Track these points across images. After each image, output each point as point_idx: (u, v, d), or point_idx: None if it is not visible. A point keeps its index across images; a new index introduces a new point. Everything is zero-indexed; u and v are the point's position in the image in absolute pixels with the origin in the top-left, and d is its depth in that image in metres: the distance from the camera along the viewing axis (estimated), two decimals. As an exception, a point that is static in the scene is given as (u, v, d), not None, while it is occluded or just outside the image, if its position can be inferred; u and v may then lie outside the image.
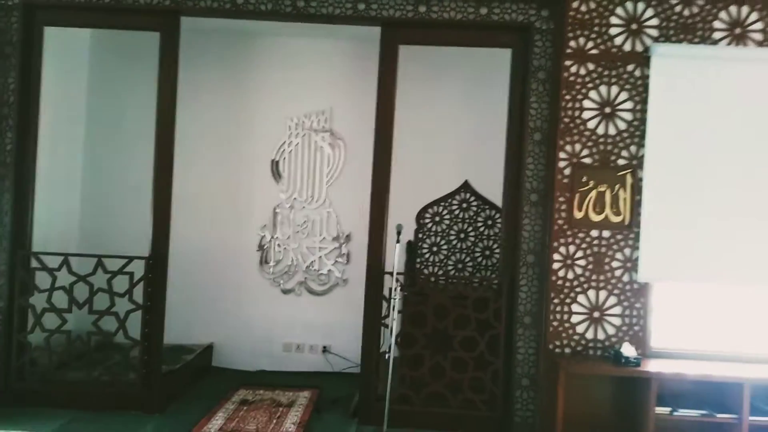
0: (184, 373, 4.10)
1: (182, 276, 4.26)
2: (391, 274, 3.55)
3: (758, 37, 3.39)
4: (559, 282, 3.42)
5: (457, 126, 4.76)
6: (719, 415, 3.18)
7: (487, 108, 4.63)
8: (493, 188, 4.57)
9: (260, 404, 3.87)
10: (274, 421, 3.58)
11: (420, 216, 4.67)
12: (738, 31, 3.40)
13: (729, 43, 3.40)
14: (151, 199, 3.64)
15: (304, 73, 4.79)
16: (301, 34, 4.66)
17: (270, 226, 4.75)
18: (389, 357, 3.38)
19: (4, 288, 3.57)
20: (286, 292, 4.77)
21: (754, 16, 3.39)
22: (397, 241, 3.46)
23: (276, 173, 4.78)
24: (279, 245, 4.76)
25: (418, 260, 4.64)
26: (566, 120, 3.42)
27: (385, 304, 3.68)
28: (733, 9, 3.40)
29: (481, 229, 4.65)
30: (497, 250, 4.63)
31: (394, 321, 3.39)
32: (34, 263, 3.63)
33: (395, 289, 3.39)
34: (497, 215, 4.61)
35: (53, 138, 4.11)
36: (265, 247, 4.76)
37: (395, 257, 3.44)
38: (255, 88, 4.80)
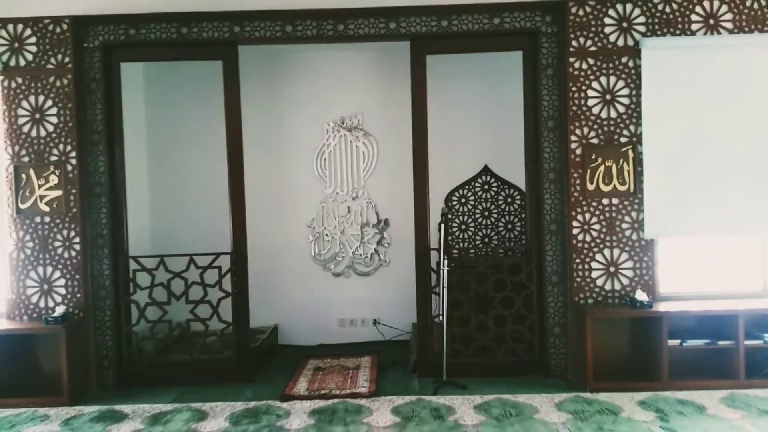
0: (260, 350, 4.77)
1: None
2: (435, 250, 4.22)
3: (729, 26, 4.03)
4: (579, 244, 4.08)
5: (475, 118, 5.39)
6: (720, 342, 3.87)
7: (501, 101, 5.29)
8: (509, 169, 5.25)
9: (331, 369, 4.54)
10: (349, 380, 4.25)
11: (448, 199, 5.31)
12: (712, 22, 4.03)
13: (705, 33, 4.04)
14: (229, 203, 4.27)
15: (336, 81, 5.41)
16: (329, 48, 5.27)
17: (319, 218, 5.41)
18: (443, 319, 4.05)
19: (109, 288, 4.22)
20: (336, 275, 5.45)
21: (724, 8, 4.03)
22: (441, 222, 4.11)
23: (319, 172, 5.42)
24: (327, 235, 5.42)
25: (450, 238, 5.30)
26: (574, 108, 4.06)
27: (431, 276, 4.33)
28: (706, 3, 4.03)
29: (502, 206, 5.31)
30: (518, 224, 5.29)
31: (444, 288, 4.04)
32: (133, 265, 4.27)
33: (443, 263, 4.04)
34: (515, 193, 5.27)
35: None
36: (315, 237, 5.42)
37: (441, 236, 4.08)
38: (293, 97, 5.43)
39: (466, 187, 5.32)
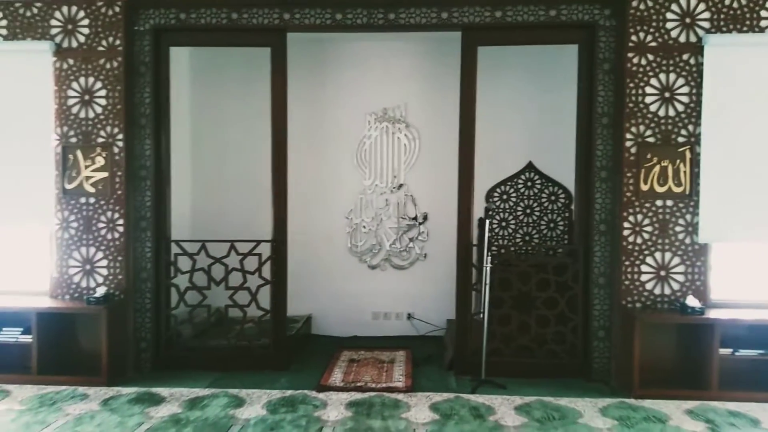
0: (295, 339, 4.75)
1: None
2: (474, 246, 4.14)
3: (801, 23, 3.84)
4: (629, 246, 3.95)
5: (519, 112, 5.27)
6: (775, 354, 3.72)
7: (547, 96, 5.17)
8: (554, 167, 5.12)
9: (366, 361, 4.49)
10: (384, 374, 4.19)
11: (489, 195, 5.20)
12: (783, 18, 3.85)
13: (774, 30, 3.86)
14: (271, 190, 4.24)
15: (380, 72, 5.35)
16: (373, 37, 5.20)
17: (356, 210, 5.36)
18: (484, 316, 3.96)
19: (150, 271, 4.24)
20: (372, 267, 5.39)
21: (796, 3, 3.84)
22: (486, 218, 4.02)
23: (359, 163, 5.36)
24: (365, 226, 5.37)
25: (489, 234, 5.18)
26: (630, 105, 3.92)
27: (472, 273, 4.24)
28: (777, -1, 3.85)
29: (545, 204, 5.18)
30: (560, 223, 5.16)
31: (486, 286, 3.96)
32: (175, 249, 4.29)
33: (486, 260, 3.95)
34: (560, 191, 5.13)
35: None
36: (353, 228, 5.37)
37: (485, 232, 3.99)
38: (336, 88, 5.38)
39: (509, 183, 5.21)
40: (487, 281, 3.95)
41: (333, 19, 4.13)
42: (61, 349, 4.09)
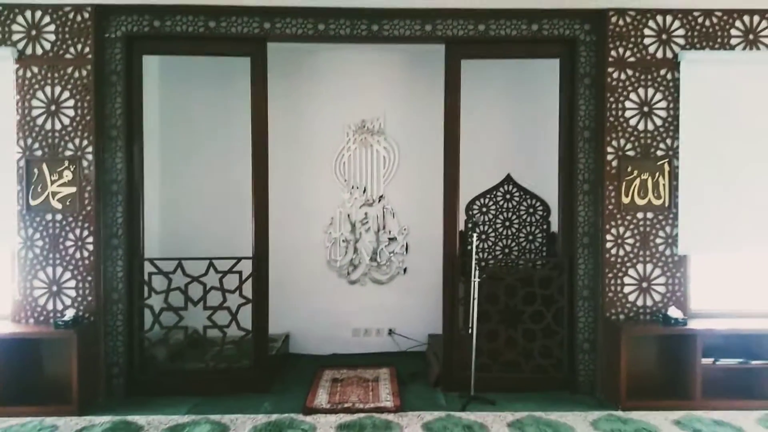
0: (275, 360, 4.58)
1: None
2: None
3: (769, 42, 4.00)
4: (612, 258, 3.99)
5: (496, 125, 5.29)
6: (753, 362, 3.80)
7: (525, 109, 5.22)
8: (532, 180, 5.17)
9: (350, 381, 4.37)
10: (371, 393, 4.09)
11: (469, 207, 5.20)
12: (751, 37, 3.99)
13: (744, 48, 3.99)
14: (252, 205, 4.09)
15: (358, 83, 5.27)
16: (350, 48, 5.13)
17: (335, 223, 5.25)
18: (472, 331, 3.92)
19: (122, 292, 4.01)
20: (352, 282, 5.28)
21: (764, 24, 3.99)
22: (473, 232, 3.99)
23: (338, 175, 5.26)
24: (344, 241, 5.26)
25: (469, 247, 5.17)
26: (611, 119, 3.98)
27: (459, 287, 4.20)
28: (746, 18, 3.99)
29: (524, 216, 5.21)
30: (539, 235, 5.20)
31: (474, 300, 3.92)
32: (148, 267, 4.07)
33: (475, 273, 3.92)
34: (538, 204, 5.18)
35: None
36: (332, 242, 5.25)
37: (473, 246, 3.96)
38: (313, 98, 5.27)
39: (488, 195, 5.22)
40: (475, 295, 3.91)
41: (315, 30, 4.04)
42: (25, 377, 3.81)
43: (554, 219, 5.08)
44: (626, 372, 3.77)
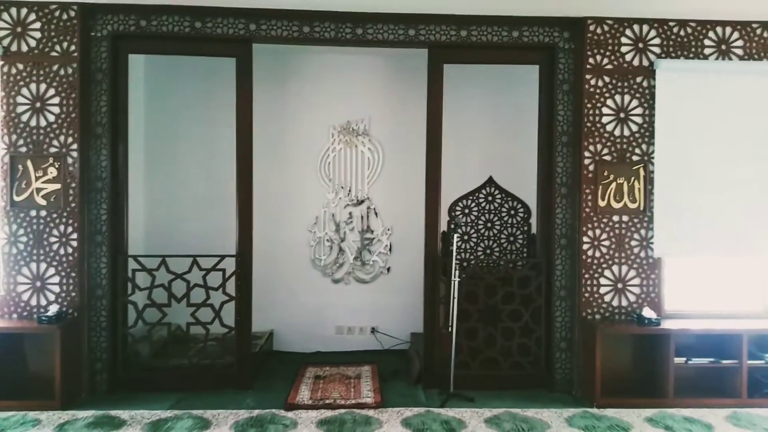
0: (258, 356, 4.63)
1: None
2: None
3: (740, 52, 4.13)
4: (589, 260, 4.10)
5: (478, 128, 5.38)
6: (724, 361, 3.93)
7: (507, 113, 5.32)
8: (513, 182, 5.27)
9: (332, 378, 4.44)
10: (352, 390, 4.15)
11: (451, 209, 5.28)
12: (724, 47, 4.12)
13: (716, 58, 4.13)
14: (236, 203, 4.14)
15: (343, 85, 5.33)
16: (335, 50, 5.18)
17: (320, 223, 5.31)
18: (452, 329, 4.00)
19: (106, 288, 4.04)
20: (336, 281, 5.35)
21: (735, 35, 4.13)
22: (455, 233, 4.08)
23: (323, 175, 5.33)
24: (328, 240, 5.32)
25: (451, 248, 5.26)
26: (588, 125, 4.09)
27: (440, 286, 4.29)
28: (719, 29, 4.12)
29: (506, 218, 5.31)
30: (520, 237, 5.30)
31: (455, 299, 4.00)
32: (132, 264, 4.11)
33: (455, 273, 4.00)
34: (519, 206, 5.28)
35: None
36: (316, 242, 5.31)
37: (454, 246, 4.05)
38: (298, 99, 5.32)
39: (470, 197, 5.31)
40: (455, 294, 4.00)
41: (300, 32, 4.10)
42: (8, 372, 3.82)
43: (534, 221, 5.18)
44: (601, 370, 3.88)
